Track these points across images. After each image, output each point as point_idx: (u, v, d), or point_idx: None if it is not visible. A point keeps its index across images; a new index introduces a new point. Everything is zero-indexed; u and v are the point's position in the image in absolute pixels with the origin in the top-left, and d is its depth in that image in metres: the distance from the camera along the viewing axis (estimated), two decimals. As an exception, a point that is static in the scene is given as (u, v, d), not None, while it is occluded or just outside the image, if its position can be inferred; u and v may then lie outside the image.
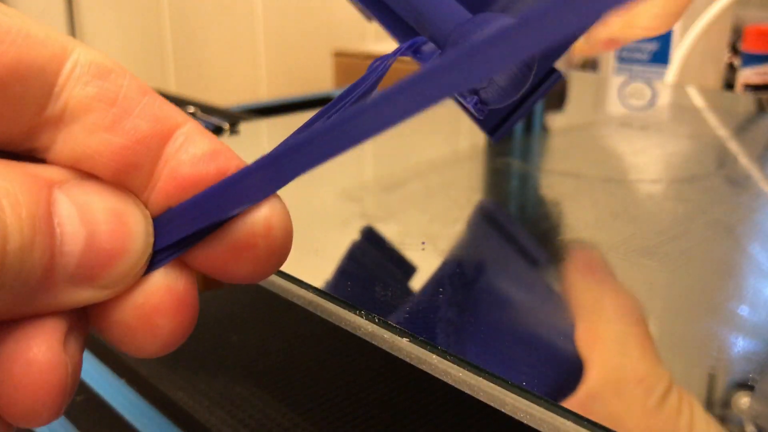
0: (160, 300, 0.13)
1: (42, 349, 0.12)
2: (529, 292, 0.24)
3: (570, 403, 0.16)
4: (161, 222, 0.13)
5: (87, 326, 0.13)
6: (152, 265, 0.13)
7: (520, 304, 0.23)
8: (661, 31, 0.30)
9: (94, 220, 0.12)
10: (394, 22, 0.22)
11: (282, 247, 0.13)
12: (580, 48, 0.27)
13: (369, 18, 0.28)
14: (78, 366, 0.13)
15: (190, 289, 0.13)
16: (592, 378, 0.18)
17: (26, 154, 0.13)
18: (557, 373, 0.18)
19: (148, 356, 0.13)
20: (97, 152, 0.12)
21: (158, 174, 0.13)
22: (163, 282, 0.13)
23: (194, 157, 0.13)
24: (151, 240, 0.13)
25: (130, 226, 0.12)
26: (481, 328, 0.20)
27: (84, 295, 0.12)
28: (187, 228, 0.13)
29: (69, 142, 0.12)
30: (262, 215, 0.13)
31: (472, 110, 0.17)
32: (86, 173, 0.12)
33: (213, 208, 0.12)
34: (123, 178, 0.12)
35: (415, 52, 0.19)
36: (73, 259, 0.12)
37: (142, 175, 0.13)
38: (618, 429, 0.16)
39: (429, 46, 0.18)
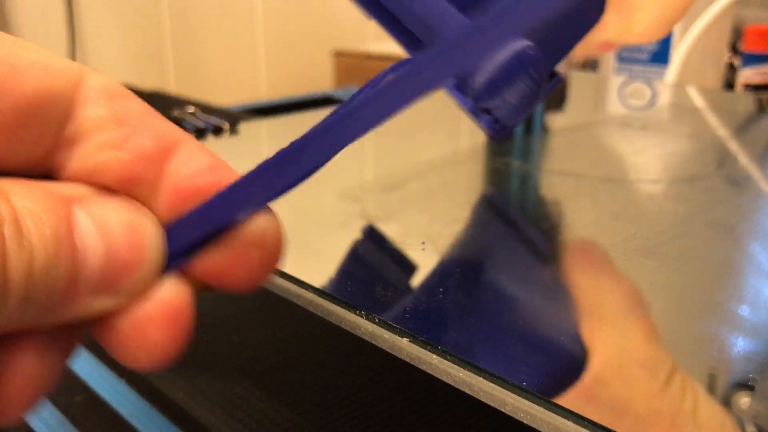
0: (154, 311, 0.13)
1: (18, 363, 0.13)
2: (529, 288, 0.24)
3: (576, 389, 0.16)
4: (171, 230, 0.14)
5: (73, 336, 0.14)
6: (164, 270, 0.14)
7: (520, 300, 0.23)
8: (656, 38, 0.31)
9: (112, 233, 0.13)
10: (403, 33, 0.22)
11: (275, 256, 0.15)
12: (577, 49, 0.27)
13: (369, 17, 0.28)
14: (54, 373, 0.13)
15: (184, 305, 0.14)
16: (597, 364, 0.18)
17: (44, 175, 0.13)
18: (561, 363, 0.18)
19: (143, 368, 0.13)
20: (106, 167, 0.13)
21: (162, 188, 0.14)
22: (158, 295, 0.13)
23: (195, 172, 0.14)
24: (163, 251, 0.13)
25: (144, 238, 0.13)
26: (481, 326, 0.20)
27: (104, 304, 0.13)
28: (195, 233, 0.13)
29: (81, 158, 0.13)
30: (257, 227, 0.14)
31: (487, 130, 0.17)
32: (103, 189, 0.13)
33: (218, 214, 0.13)
34: (129, 192, 0.13)
35: None
36: (94, 271, 0.12)
37: (147, 189, 0.14)
38: (624, 412, 0.16)
39: None
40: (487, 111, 0.17)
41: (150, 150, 0.13)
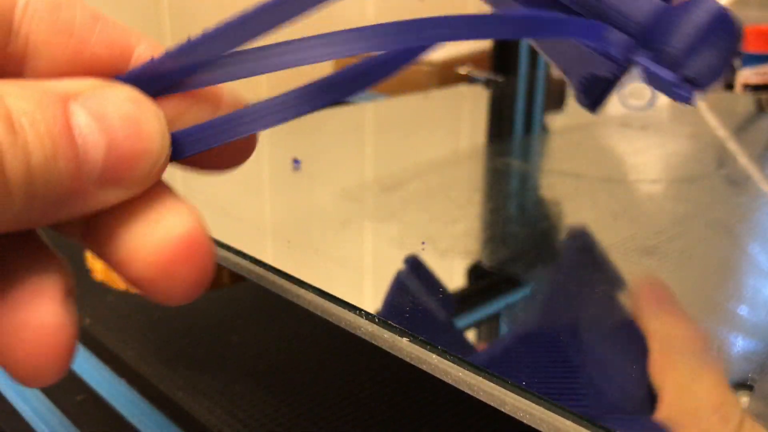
0: (171, 251, 0.13)
1: (47, 313, 0.13)
2: (599, 327, 0.22)
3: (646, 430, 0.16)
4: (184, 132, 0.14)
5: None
6: (180, 153, 0.14)
7: (589, 339, 0.21)
8: None
9: (112, 128, 0.12)
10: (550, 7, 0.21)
11: (252, 148, 0.16)
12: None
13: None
14: (77, 322, 0.13)
15: (197, 230, 0.14)
16: (668, 405, 0.17)
17: None
18: (633, 405, 0.18)
19: (180, 302, 0.14)
20: None
21: None
22: (168, 232, 0.13)
23: None
24: (168, 140, 0.13)
25: (145, 130, 0.13)
26: (549, 363, 0.19)
27: (112, 196, 0.13)
28: (208, 142, 0.14)
29: (35, 76, 0.13)
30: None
31: (688, 99, 0.17)
32: (102, 81, 0.13)
33: (237, 129, 0.15)
34: None
35: (599, 40, 0.17)
36: (97, 165, 0.12)
37: None
38: None
39: (617, 36, 0.17)
40: (689, 80, 0.16)
41: (104, 60, 0.13)
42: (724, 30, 0.16)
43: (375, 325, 0.20)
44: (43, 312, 0.13)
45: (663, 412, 0.17)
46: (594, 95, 0.27)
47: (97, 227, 0.13)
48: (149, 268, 0.13)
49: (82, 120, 0.12)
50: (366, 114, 0.50)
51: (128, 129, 0.13)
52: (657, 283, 0.25)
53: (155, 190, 0.14)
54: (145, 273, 0.13)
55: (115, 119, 0.13)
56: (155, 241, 0.13)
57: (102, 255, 0.14)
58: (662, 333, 0.22)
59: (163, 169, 0.13)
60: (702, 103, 0.54)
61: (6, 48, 0.13)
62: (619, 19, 0.17)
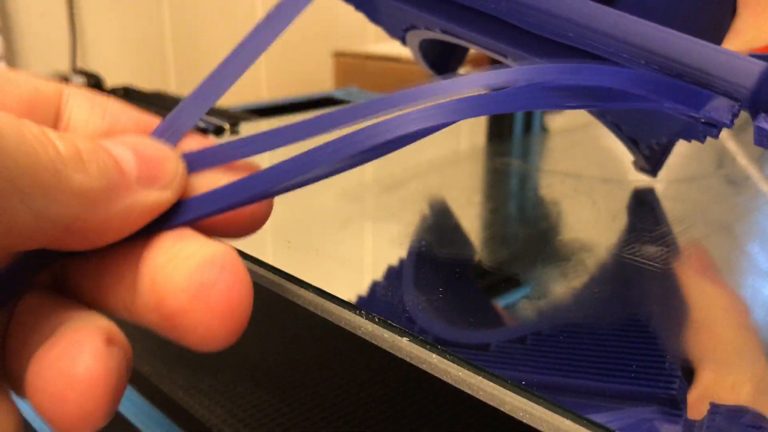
0: (204, 272, 0.14)
1: (83, 363, 0.14)
2: (645, 302, 0.22)
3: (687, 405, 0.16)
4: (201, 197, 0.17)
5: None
6: (191, 211, 0.16)
7: (634, 317, 0.21)
8: None
9: (133, 145, 0.16)
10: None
11: (268, 211, 0.18)
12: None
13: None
14: (122, 369, 0.14)
15: (229, 254, 0.15)
16: (707, 378, 0.17)
17: None
18: (665, 373, 0.18)
19: (221, 339, 0.15)
20: None
21: None
22: (200, 259, 0.15)
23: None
24: (178, 154, 0.16)
25: (157, 145, 0.16)
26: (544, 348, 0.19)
27: (154, 196, 0.15)
28: (227, 201, 0.16)
29: None
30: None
31: None
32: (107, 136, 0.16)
33: (249, 192, 0.16)
34: None
35: (702, 108, 0.17)
36: (133, 167, 0.15)
37: None
38: None
39: (723, 102, 0.17)
40: None
41: (133, 131, 0.17)
42: None
43: (375, 325, 0.20)
44: (78, 362, 0.14)
45: (702, 384, 0.17)
46: (658, 161, 0.26)
47: (132, 278, 0.15)
48: (182, 296, 0.14)
49: (108, 144, 0.15)
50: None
51: (145, 146, 0.16)
52: (701, 253, 0.24)
53: (189, 235, 0.16)
54: (179, 302, 0.14)
55: (133, 142, 0.16)
56: (187, 270, 0.14)
57: (139, 307, 0.15)
58: (703, 305, 0.22)
59: (183, 177, 0.16)
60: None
61: (57, 127, 0.16)
62: (723, 86, 0.17)
